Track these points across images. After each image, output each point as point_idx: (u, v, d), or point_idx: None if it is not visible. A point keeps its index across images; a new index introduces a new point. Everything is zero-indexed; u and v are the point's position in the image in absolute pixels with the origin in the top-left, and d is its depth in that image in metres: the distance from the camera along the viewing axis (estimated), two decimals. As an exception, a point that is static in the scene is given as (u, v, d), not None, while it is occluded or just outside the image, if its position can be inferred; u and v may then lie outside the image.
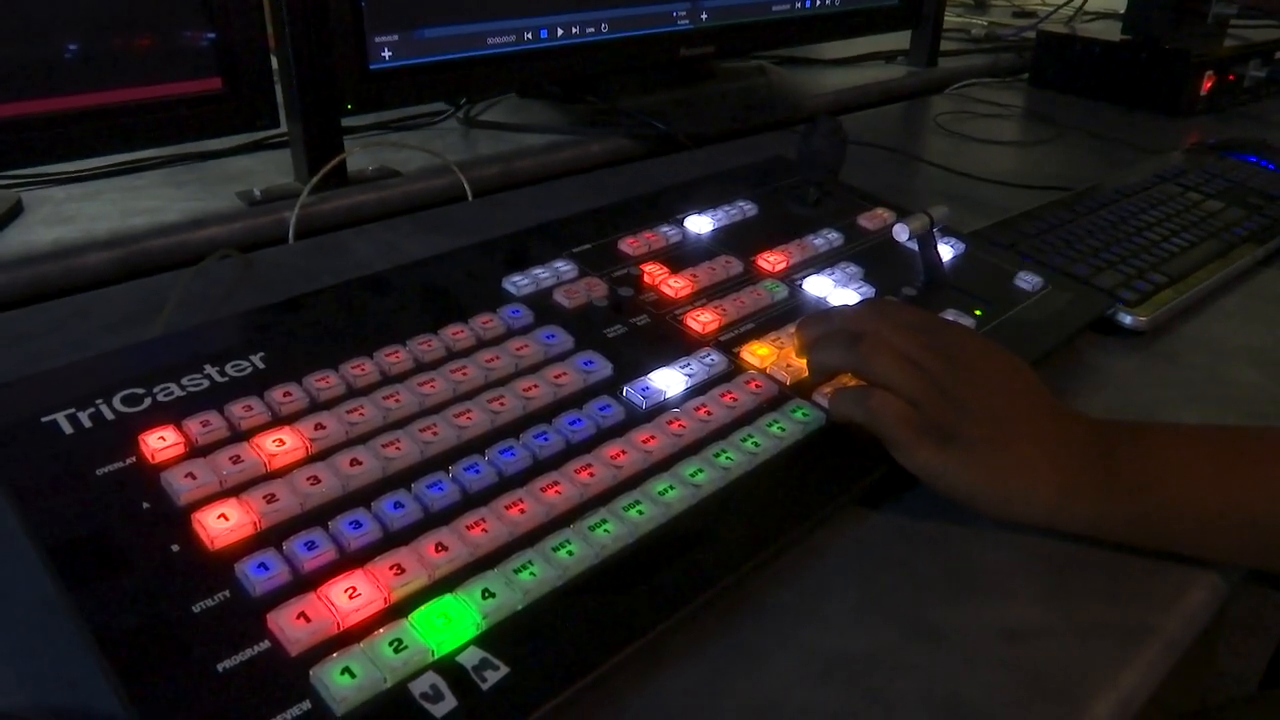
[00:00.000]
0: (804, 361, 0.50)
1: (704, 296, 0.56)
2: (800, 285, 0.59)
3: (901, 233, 0.58)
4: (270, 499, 0.38)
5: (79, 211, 0.76)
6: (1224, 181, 0.86)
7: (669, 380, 0.48)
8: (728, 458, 0.44)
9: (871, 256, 0.63)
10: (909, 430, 0.44)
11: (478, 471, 0.41)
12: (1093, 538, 0.44)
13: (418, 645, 0.33)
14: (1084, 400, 0.56)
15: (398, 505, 0.39)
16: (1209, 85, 1.17)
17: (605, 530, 0.39)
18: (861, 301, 0.56)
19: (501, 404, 0.45)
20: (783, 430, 0.46)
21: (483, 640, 0.34)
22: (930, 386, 0.44)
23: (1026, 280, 0.61)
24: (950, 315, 0.56)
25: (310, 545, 0.36)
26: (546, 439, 0.43)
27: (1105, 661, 0.39)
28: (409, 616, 0.34)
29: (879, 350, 0.45)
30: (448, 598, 0.35)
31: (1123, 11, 1.26)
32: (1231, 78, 1.21)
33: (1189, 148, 0.96)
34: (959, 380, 0.45)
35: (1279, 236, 0.76)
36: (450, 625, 0.34)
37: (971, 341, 0.47)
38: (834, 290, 0.58)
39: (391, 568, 0.36)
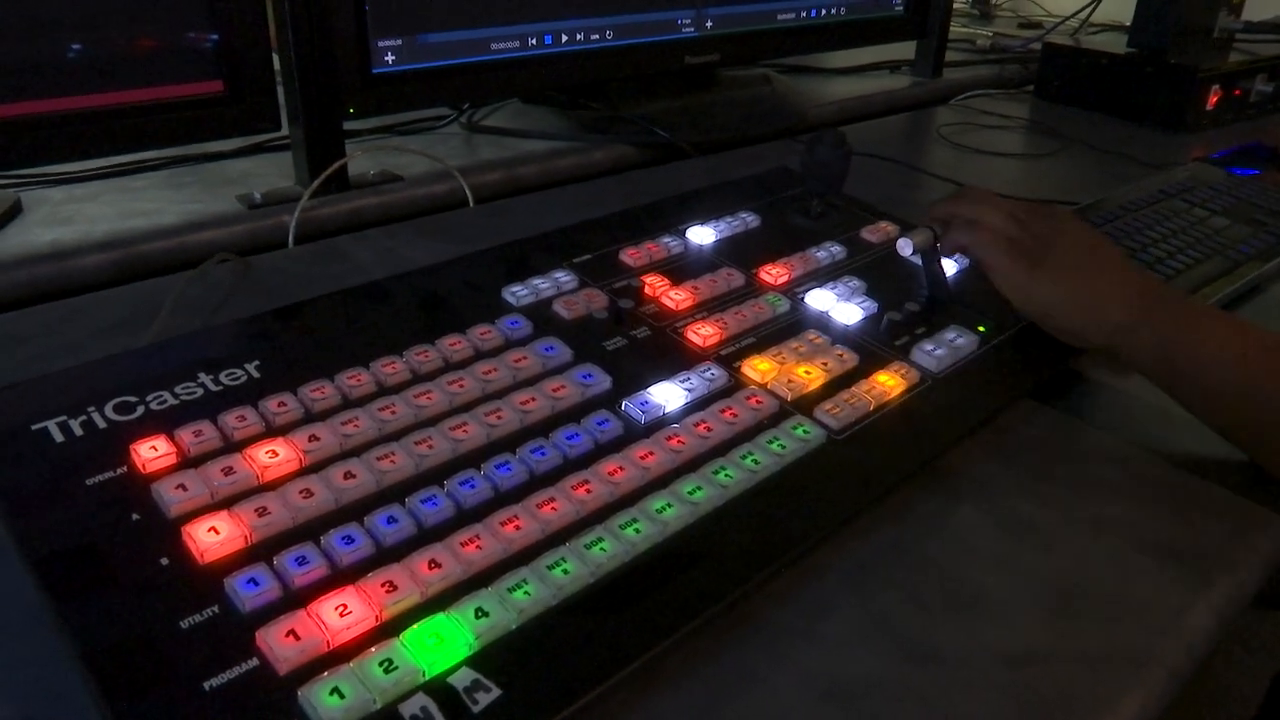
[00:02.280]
0: (804, 376, 0.49)
1: (705, 309, 0.56)
2: (802, 299, 0.58)
3: (905, 247, 0.57)
4: (262, 512, 0.38)
5: (78, 212, 0.76)
6: (1230, 198, 0.85)
7: (668, 395, 0.47)
8: (727, 475, 0.43)
9: (874, 270, 0.63)
10: (1005, 254, 0.55)
11: (473, 486, 0.40)
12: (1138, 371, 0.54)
13: (408, 665, 0.33)
14: (1087, 421, 0.55)
15: (391, 520, 0.38)
16: (1214, 100, 1.17)
17: (601, 549, 0.38)
18: (967, 190, 0.63)
19: (498, 417, 0.44)
20: (783, 448, 0.45)
21: (475, 661, 0.34)
22: (1024, 229, 0.56)
23: (1030, 296, 0.61)
24: (953, 332, 0.55)
25: (301, 560, 0.36)
26: (543, 454, 0.43)
27: (1108, 688, 0.38)
28: (400, 636, 0.34)
29: (990, 214, 0.57)
30: (440, 616, 0.35)
31: (1129, 24, 1.26)
32: (1237, 92, 1.20)
33: (1193, 161, 0.96)
34: (1049, 229, 0.56)
35: (1285, 254, 0.76)
36: (442, 645, 0.34)
37: (1063, 212, 0.59)
38: (836, 304, 0.57)
39: (383, 585, 0.35)
